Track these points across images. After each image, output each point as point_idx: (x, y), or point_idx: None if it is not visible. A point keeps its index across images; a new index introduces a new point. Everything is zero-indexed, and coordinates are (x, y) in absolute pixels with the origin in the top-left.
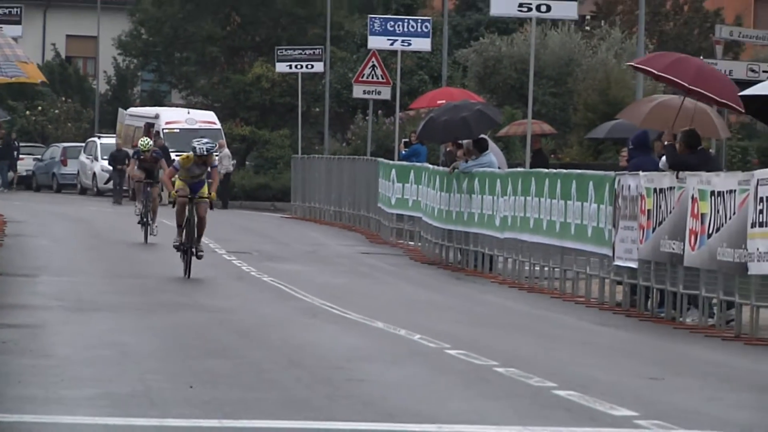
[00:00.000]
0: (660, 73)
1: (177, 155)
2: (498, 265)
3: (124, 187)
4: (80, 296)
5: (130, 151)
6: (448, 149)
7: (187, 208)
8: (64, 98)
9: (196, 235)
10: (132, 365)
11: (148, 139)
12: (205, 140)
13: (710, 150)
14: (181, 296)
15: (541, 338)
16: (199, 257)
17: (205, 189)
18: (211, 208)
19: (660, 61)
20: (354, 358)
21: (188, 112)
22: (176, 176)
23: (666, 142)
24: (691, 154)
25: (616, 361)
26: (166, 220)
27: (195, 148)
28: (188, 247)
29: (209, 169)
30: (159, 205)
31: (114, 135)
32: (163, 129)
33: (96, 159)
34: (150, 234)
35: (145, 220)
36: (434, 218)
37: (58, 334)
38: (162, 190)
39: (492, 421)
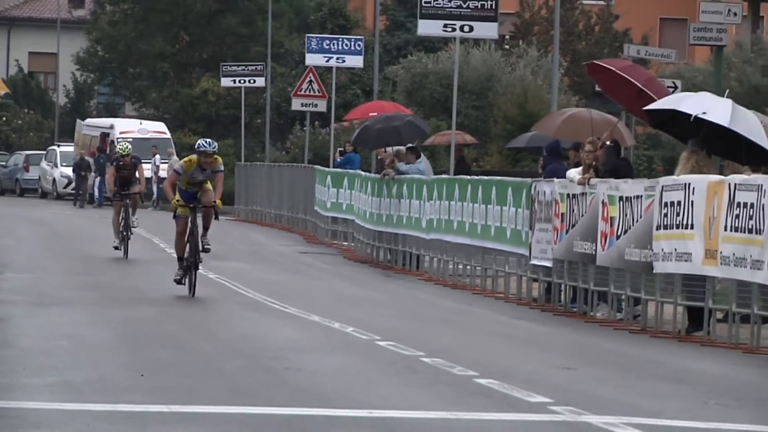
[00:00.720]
0: (619, 71)
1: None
2: (424, 263)
3: (90, 192)
4: (41, 292)
5: (90, 159)
6: (379, 157)
7: (188, 227)
8: (26, 110)
9: (202, 231)
10: (87, 355)
11: (127, 144)
12: (209, 140)
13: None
14: (133, 292)
15: (463, 331)
16: (206, 251)
17: (208, 186)
18: (216, 217)
19: (619, 63)
20: (292, 349)
21: (140, 123)
22: (178, 184)
23: (608, 142)
24: (619, 160)
25: (532, 352)
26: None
27: (200, 144)
28: (191, 263)
29: (213, 174)
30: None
31: (72, 144)
32: (117, 138)
33: (56, 165)
34: (132, 227)
35: (124, 233)
36: (366, 221)
37: (20, 327)
38: (141, 196)
39: (418, 406)
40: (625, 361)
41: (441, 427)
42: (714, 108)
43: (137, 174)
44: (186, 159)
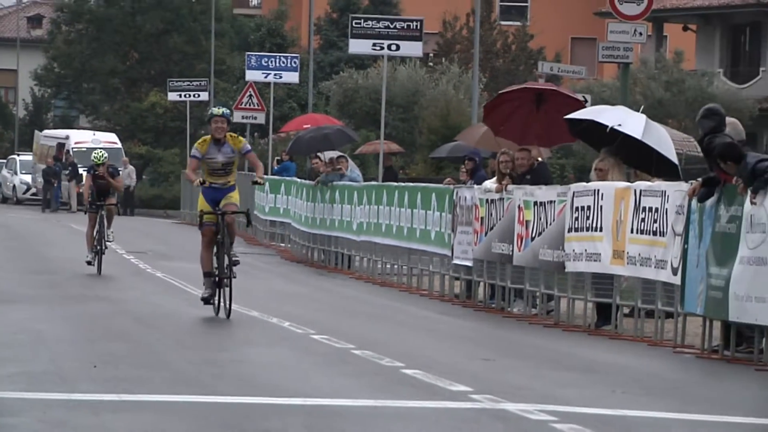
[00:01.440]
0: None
1: (83, 170)
2: (355, 263)
3: (48, 198)
4: (0, 289)
5: (42, 165)
6: (312, 165)
7: (215, 237)
8: None
9: (227, 247)
10: (45, 348)
11: (103, 152)
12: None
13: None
14: (87, 290)
15: (391, 325)
16: (235, 264)
17: (235, 196)
18: (249, 223)
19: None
20: (234, 342)
21: (94, 134)
22: (200, 174)
23: (540, 159)
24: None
25: (454, 345)
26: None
27: (210, 111)
28: (222, 277)
29: (241, 155)
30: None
31: (31, 153)
32: (72, 148)
33: (16, 173)
34: (106, 241)
35: (98, 248)
36: (301, 223)
37: None
38: (118, 206)
39: (349, 395)
40: (539, 352)
41: (370, 414)
42: (629, 121)
43: (114, 184)
44: (200, 141)
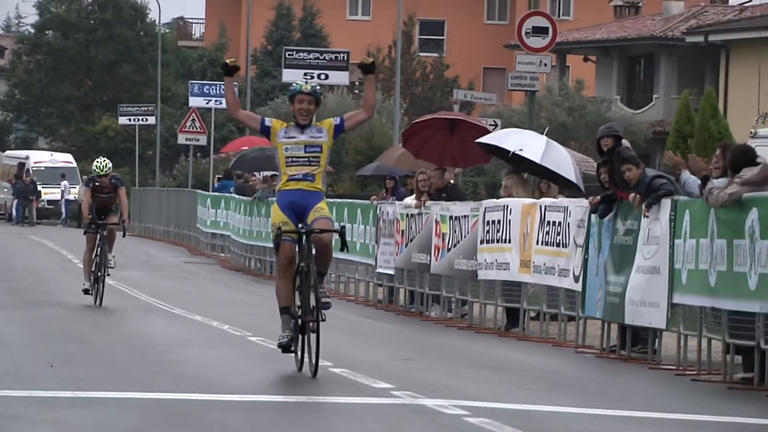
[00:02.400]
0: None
1: (43, 187)
2: None
3: (9, 213)
4: None
5: (6, 185)
6: (249, 183)
7: (296, 254)
8: None
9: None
10: (5, 349)
11: (106, 160)
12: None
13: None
14: (44, 296)
15: (320, 328)
16: (325, 306)
17: (325, 207)
18: (345, 246)
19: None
20: (178, 344)
21: (51, 154)
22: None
23: (452, 181)
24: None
25: (377, 346)
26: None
27: (295, 85)
28: (307, 320)
29: (331, 134)
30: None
31: None
32: (32, 167)
33: None
34: (107, 267)
35: (98, 273)
36: (239, 235)
37: None
38: (124, 226)
39: (282, 391)
40: (454, 353)
41: (301, 409)
42: (530, 144)
43: (118, 199)
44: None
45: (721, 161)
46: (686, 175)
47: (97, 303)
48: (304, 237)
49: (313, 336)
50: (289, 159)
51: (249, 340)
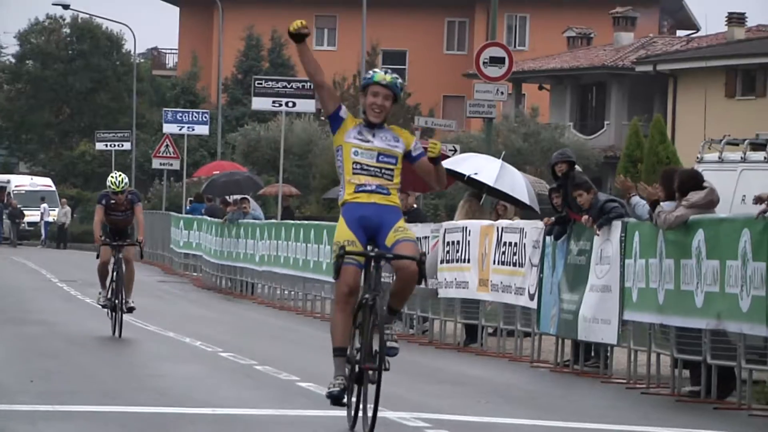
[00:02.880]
0: None
1: (24, 209)
2: (257, 290)
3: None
4: None
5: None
6: (220, 205)
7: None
8: None
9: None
10: None
11: (121, 174)
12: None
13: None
14: (24, 313)
15: (288, 344)
16: (391, 352)
17: (405, 226)
18: (422, 279)
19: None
20: (152, 359)
21: (32, 178)
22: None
23: (415, 206)
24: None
25: None
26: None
27: (372, 73)
28: (368, 368)
29: (411, 147)
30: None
31: None
32: (13, 191)
33: None
34: (122, 311)
35: (115, 301)
36: (211, 255)
37: None
38: (141, 248)
39: (252, 405)
40: (416, 367)
41: (270, 422)
42: (485, 168)
43: (135, 217)
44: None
45: (661, 186)
46: (636, 199)
47: (116, 334)
48: (372, 262)
49: (370, 389)
50: (357, 166)
51: (220, 355)
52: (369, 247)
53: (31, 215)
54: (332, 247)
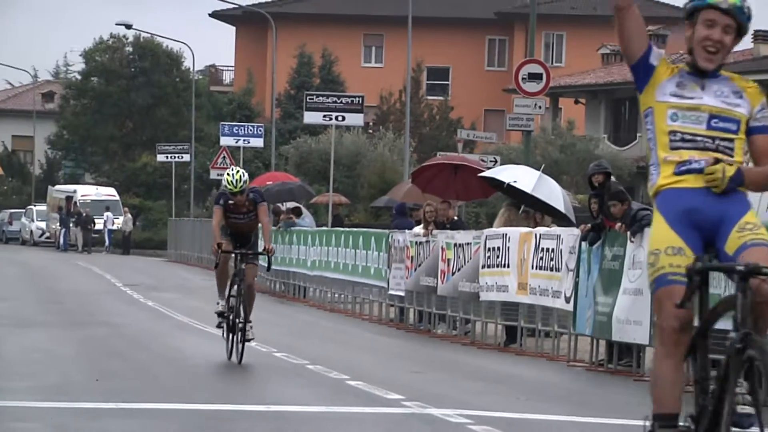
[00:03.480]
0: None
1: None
2: (309, 293)
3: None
4: (20, 316)
5: (55, 215)
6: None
7: None
8: (10, 179)
9: None
10: (56, 365)
11: (239, 170)
12: None
13: (456, 216)
14: (90, 316)
15: (338, 344)
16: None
17: (756, 221)
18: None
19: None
20: (209, 359)
21: (97, 188)
22: None
23: (456, 217)
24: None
25: (389, 360)
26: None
27: None
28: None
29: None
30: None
31: (45, 204)
32: (79, 200)
33: (33, 220)
34: (244, 341)
35: (232, 319)
36: (265, 260)
37: (4, 343)
38: (270, 258)
39: (304, 402)
40: (459, 366)
41: (321, 419)
42: (524, 177)
43: (260, 220)
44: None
45: None
46: None
47: (235, 359)
48: (743, 286)
49: None
50: (677, 136)
51: (274, 355)
52: (704, 256)
53: (97, 223)
54: (647, 257)
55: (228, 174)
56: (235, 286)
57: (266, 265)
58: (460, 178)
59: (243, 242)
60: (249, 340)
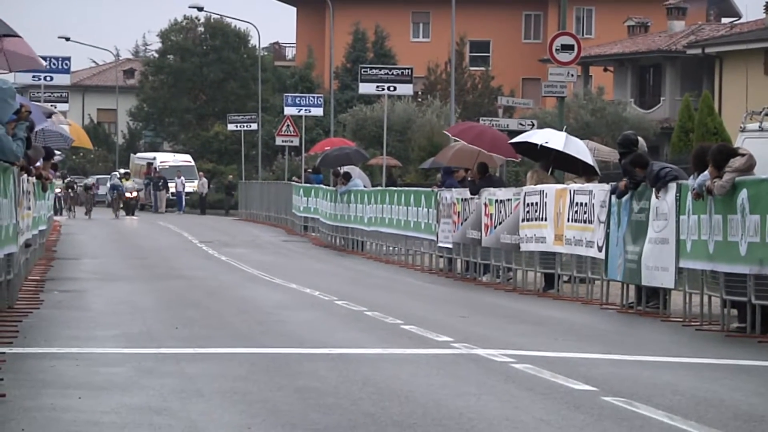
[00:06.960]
0: (469, 144)
1: (169, 182)
2: (366, 246)
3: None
4: (107, 271)
5: (141, 180)
6: (332, 176)
7: None
8: (96, 148)
9: None
10: (139, 315)
11: None
12: None
13: (495, 174)
14: (170, 270)
15: (393, 293)
16: None
17: None
18: None
19: (468, 133)
20: (277, 307)
21: (174, 155)
22: None
23: (470, 179)
24: (482, 179)
25: (439, 306)
26: None
27: None
28: None
29: None
30: None
31: (128, 170)
32: (158, 166)
33: None
34: None
35: None
36: (327, 218)
37: (93, 296)
38: None
39: (363, 345)
40: (502, 311)
41: (379, 360)
42: (553, 138)
43: None
44: None
45: (693, 162)
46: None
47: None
48: None
49: None
50: None
51: (335, 303)
52: None
53: (173, 186)
54: None
55: None
56: None
57: None
58: (492, 136)
59: None
60: None
